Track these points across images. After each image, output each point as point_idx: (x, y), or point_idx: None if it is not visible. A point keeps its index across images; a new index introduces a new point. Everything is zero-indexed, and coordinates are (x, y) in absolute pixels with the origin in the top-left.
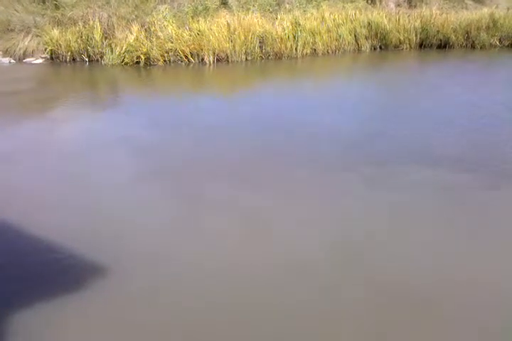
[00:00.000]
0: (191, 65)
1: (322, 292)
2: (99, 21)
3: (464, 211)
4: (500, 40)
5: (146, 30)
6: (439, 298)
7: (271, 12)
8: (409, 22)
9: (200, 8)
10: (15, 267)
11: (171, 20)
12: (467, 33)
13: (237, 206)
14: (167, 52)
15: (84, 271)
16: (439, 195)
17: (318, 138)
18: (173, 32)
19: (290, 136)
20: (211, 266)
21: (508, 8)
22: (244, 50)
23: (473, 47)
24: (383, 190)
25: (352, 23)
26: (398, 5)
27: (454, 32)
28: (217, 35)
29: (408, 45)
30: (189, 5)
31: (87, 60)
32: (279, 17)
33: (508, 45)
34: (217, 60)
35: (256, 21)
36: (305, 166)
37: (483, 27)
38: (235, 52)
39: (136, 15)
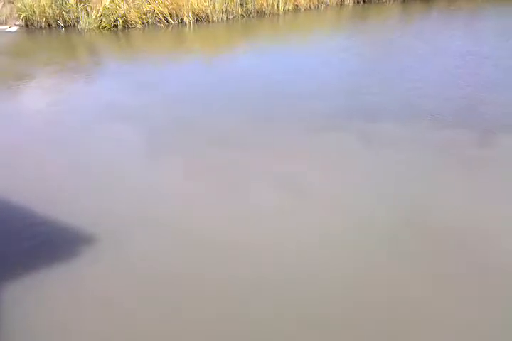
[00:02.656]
0: (171, 27)
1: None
2: None
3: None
4: None
5: None
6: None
7: None
8: None
9: None
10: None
11: None
12: None
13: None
14: (145, 14)
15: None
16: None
17: (308, 97)
18: None
19: (279, 95)
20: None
21: None
22: (224, 9)
23: None
24: (384, 147)
25: None
26: None
27: None
28: None
29: None
30: None
31: (62, 25)
32: None
33: None
34: (198, 21)
35: None
36: (300, 125)
37: None
38: (215, 11)
39: None
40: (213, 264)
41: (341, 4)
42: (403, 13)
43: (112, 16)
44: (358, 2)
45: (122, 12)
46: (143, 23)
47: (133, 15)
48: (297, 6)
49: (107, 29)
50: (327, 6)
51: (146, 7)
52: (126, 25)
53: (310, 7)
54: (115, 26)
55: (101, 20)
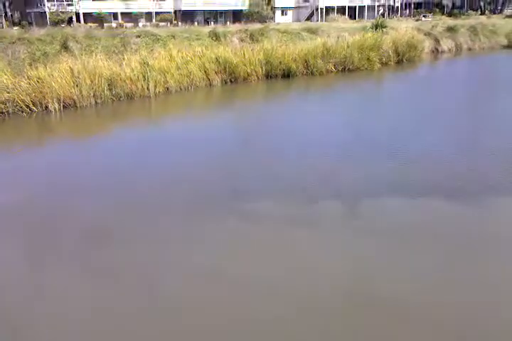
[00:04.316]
0: (34, 115)
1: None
2: None
3: None
4: (334, 65)
5: None
6: None
7: (117, 53)
8: (253, 55)
9: (38, 54)
10: None
11: (4, 69)
12: (306, 61)
13: None
14: (4, 104)
15: None
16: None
17: (186, 183)
18: (9, 81)
19: (159, 181)
20: None
21: (338, 37)
22: (92, 94)
23: (312, 74)
24: None
25: (200, 59)
26: (242, 40)
27: (294, 61)
28: (60, 80)
29: (256, 77)
30: (25, 51)
31: None
32: (126, 58)
33: (341, 70)
34: (64, 107)
35: (102, 64)
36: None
37: (319, 55)
38: (82, 96)
39: None
40: None
41: (210, 85)
42: (267, 90)
43: None
44: (225, 82)
45: None
46: (2, 113)
47: None
48: (168, 88)
49: None
50: (197, 87)
51: (5, 96)
52: None
53: (180, 88)
54: None
55: None
